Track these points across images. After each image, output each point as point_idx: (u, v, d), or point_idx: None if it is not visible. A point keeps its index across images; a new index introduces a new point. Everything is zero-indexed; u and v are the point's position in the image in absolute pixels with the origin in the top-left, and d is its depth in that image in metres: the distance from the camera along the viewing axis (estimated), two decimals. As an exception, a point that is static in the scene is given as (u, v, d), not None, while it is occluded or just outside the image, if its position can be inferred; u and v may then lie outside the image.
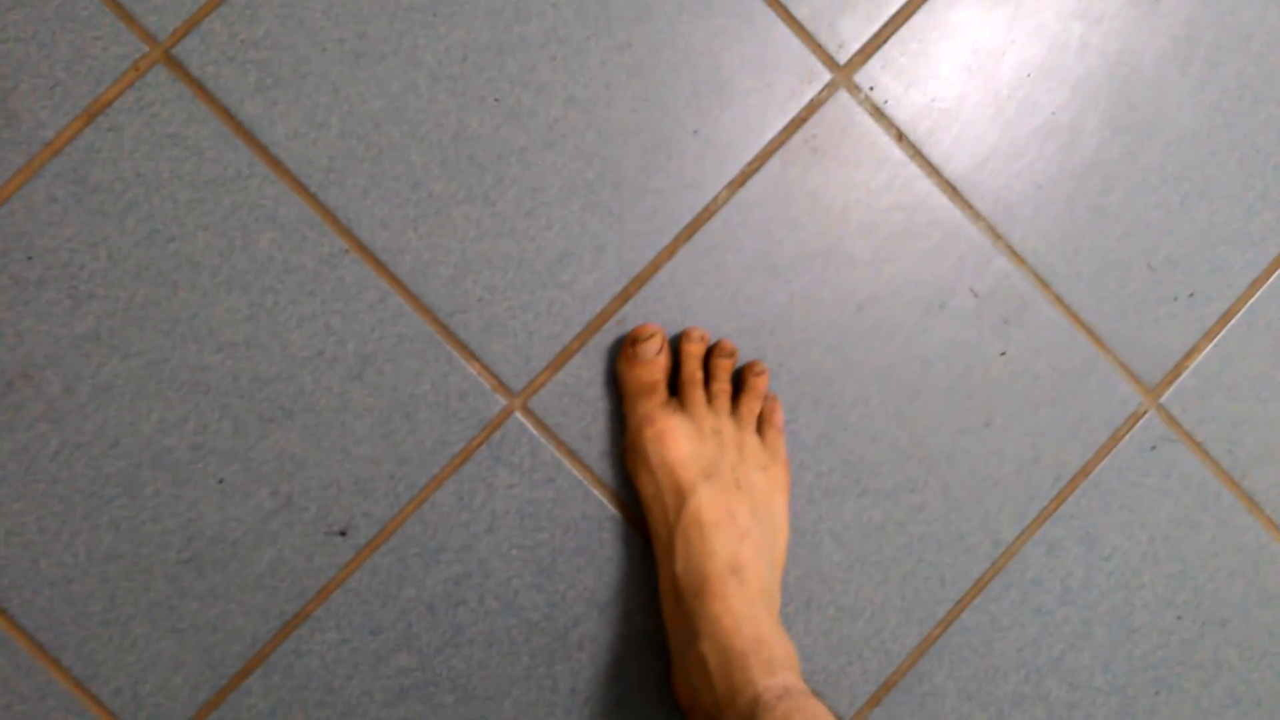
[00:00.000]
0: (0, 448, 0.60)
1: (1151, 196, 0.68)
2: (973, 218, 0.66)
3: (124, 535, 0.60)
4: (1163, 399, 0.68)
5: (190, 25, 0.60)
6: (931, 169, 0.66)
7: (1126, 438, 0.68)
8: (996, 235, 0.67)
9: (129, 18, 0.60)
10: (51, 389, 0.60)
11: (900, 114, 0.66)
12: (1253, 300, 0.69)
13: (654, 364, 0.62)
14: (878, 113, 0.66)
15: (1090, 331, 0.68)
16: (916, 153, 0.66)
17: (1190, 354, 0.69)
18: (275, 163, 0.61)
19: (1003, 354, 0.67)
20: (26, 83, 0.59)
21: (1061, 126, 0.67)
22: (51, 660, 0.60)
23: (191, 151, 0.60)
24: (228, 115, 0.61)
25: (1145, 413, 0.68)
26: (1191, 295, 0.69)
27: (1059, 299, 0.67)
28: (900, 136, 0.66)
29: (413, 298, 0.62)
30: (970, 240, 0.66)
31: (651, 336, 0.62)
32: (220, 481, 0.61)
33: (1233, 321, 0.69)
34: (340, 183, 0.61)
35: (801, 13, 0.65)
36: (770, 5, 0.65)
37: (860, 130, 0.66)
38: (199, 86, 0.60)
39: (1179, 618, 0.69)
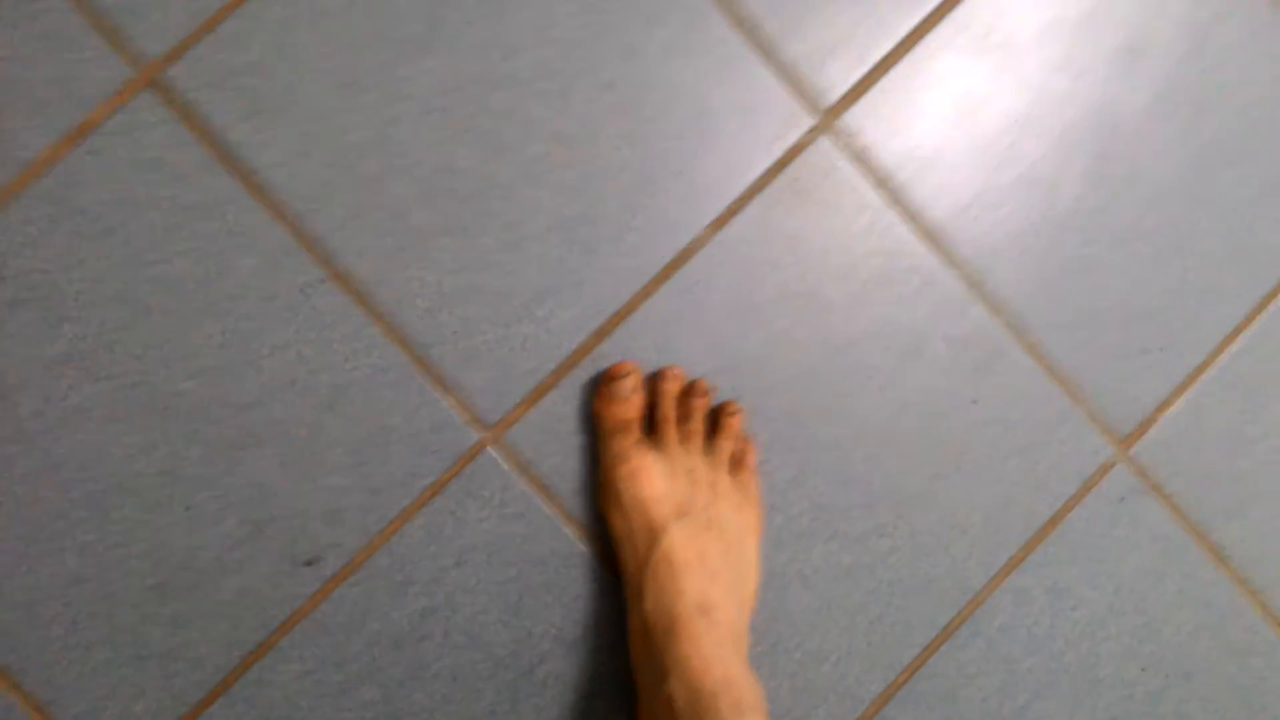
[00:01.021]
0: (-31, 468, 0.61)
1: (1128, 250, 0.71)
2: (950, 265, 0.69)
3: (90, 560, 0.62)
4: (1133, 451, 0.71)
5: (179, 50, 0.62)
6: (911, 216, 0.68)
7: (1096, 488, 0.70)
8: (973, 283, 0.69)
9: (118, 41, 0.62)
10: (22, 410, 0.61)
11: (882, 160, 0.68)
12: (1224, 356, 0.72)
13: (629, 402, 0.64)
14: (859, 159, 0.68)
15: (1062, 381, 0.70)
16: (896, 199, 0.68)
17: (1161, 407, 0.71)
18: (257, 190, 0.63)
19: (974, 402, 0.69)
20: (11, 102, 0.61)
21: (1041, 178, 0.70)
22: (13, 684, 0.61)
23: (174, 176, 0.62)
24: (212, 141, 0.62)
25: (1115, 464, 0.71)
26: (1164, 349, 0.71)
27: (1033, 348, 0.70)
28: (881, 183, 0.68)
29: (389, 328, 0.64)
30: (947, 288, 0.69)
31: (628, 374, 0.64)
32: (188, 508, 0.62)
33: (1204, 376, 0.71)
34: (322, 212, 0.63)
35: (786, 57, 0.67)
36: (755, 49, 0.67)
37: (841, 175, 0.68)
38: (185, 112, 0.62)
39: (1144, 670, 0.71)
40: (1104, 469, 0.71)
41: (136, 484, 0.62)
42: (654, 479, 0.63)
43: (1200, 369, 0.72)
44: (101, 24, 0.62)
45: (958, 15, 0.69)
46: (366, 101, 0.64)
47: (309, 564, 0.63)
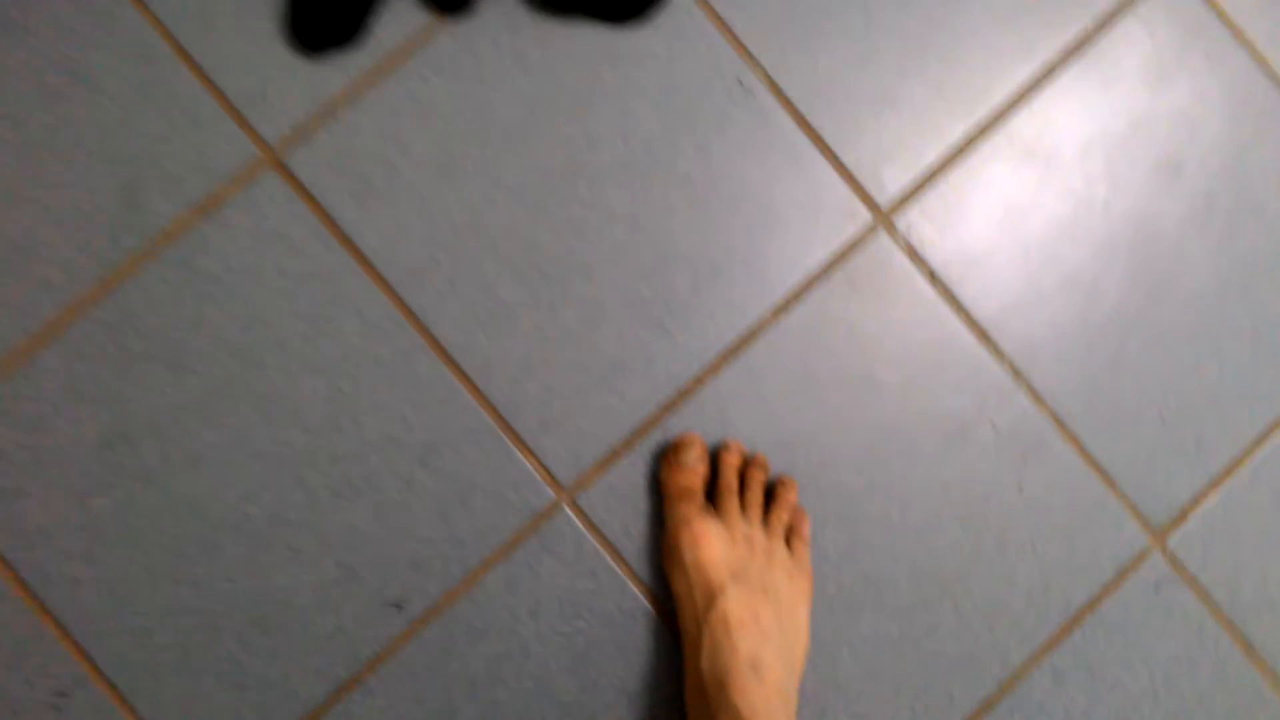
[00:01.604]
0: (98, 503, 0.69)
1: (1166, 350, 0.78)
2: (997, 357, 0.77)
3: (201, 593, 0.70)
4: (1168, 541, 0.77)
5: (299, 134, 0.72)
6: (960, 309, 0.77)
7: (1132, 576, 0.77)
8: (1018, 375, 0.77)
9: (246, 124, 0.72)
10: (148, 453, 0.70)
11: (934, 257, 0.77)
12: (1257, 454, 0.78)
13: (694, 471, 0.72)
14: (913, 254, 0.77)
15: (1102, 472, 0.77)
16: (947, 293, 0.77)
17: (1196, 501, 0.78)
18: (365, 263, 0.72)
19: (1018, 487, 0.76)
20: (148, 176, 0.71)
21: (1084, 279, 0.78)
22: (126, 705, 0.69)
23: (291, 248, 0.71)
24: (327, 218, 0.72)
25: (1151, 553, 0.77)
26: (1199, 445, 0.78)
27: (1074, 439, 0.77)
28: (933, 277, 0.77)
29: (478, 393, 0.72)
30: (993, 378, 0.77)
31: (693, 445, 0.72)
32: (291, 549, 0.70)
33: (1237, 473, 0.78)
34: (421, 284, 0.72)
35: (848, 159, 0.76)
36: (820, 150, 0.76)
37: (896, 269, 0.76)
38: (304, 190, 0.72)
39: (1177, 754, 0.77)
40: (1140, 558, 0.77)
41: (245, 525, 0.70)
42: (714, 543, 0.70)
43: (1233, 466, 0.78)
44: (232, 107, 0.72)
45: (1007, 127, 0.78)
46: (464, 186, 0.73)
47: (396, 607, 0.71)
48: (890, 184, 0.76)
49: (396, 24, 0.73)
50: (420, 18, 0.73)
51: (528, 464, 0.72)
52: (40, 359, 0.69)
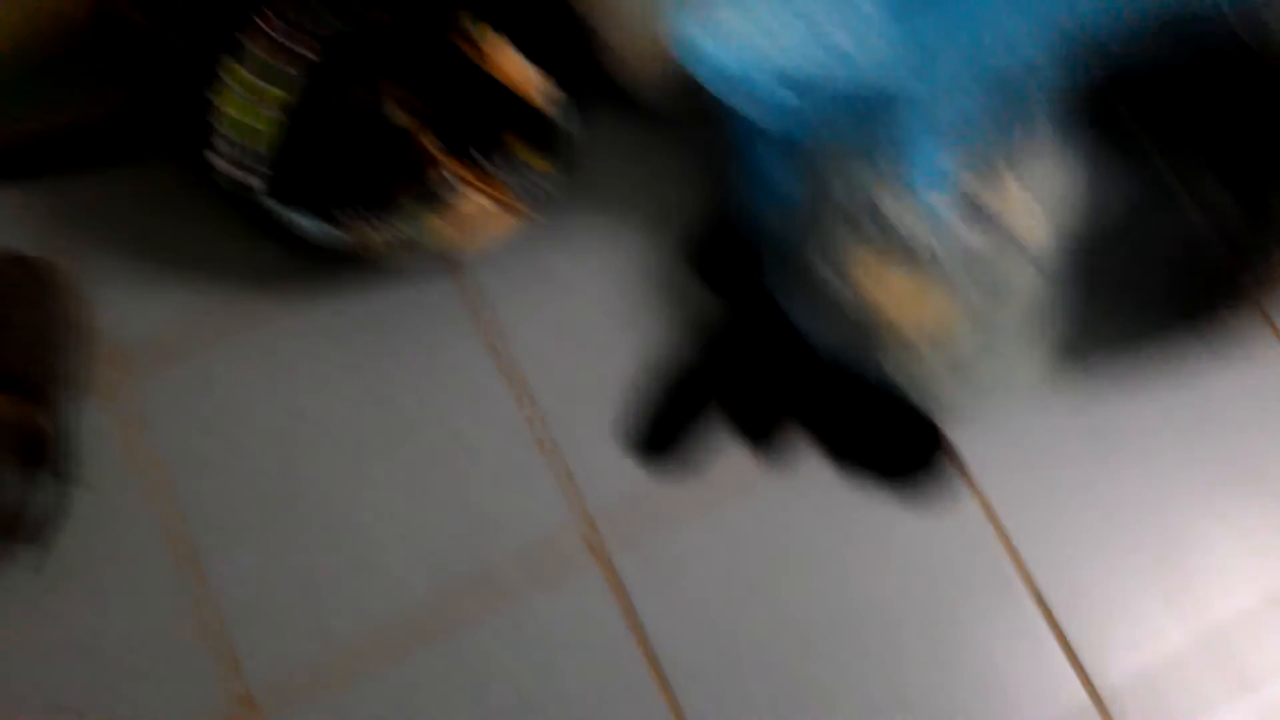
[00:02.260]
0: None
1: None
2: None
3: None
4: None
5: (623, 532, 0.87)
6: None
7: None
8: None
9: (582, 508, 0.88)
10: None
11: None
12: None
13: None
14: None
15: None
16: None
17: None
18: (652, 657, 0.84)
19: None
20: (489, 529, 0.87)
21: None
22: None
23: (596, 628, 0.84)
24: (632, 613, 0.85)
25: None
26: None
27: None
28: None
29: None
30: None
31: None
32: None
33: None
34: (692, 684, 0.83)
35: (1077, 643, 0.86)
36: (1060, 643, 0.86)
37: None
38: (619, 585, 0.86)
39: None
40: None
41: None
42: None
43: None
44: (569, 491, 0.88)
45: (1231, 650, 0.87)
46: (748, 605, 0.84)
47: None
48: (1118, 685, 0.85)
49: (719, 454, 0.89)
50: (740, 455, 0.89)
51: None
52: (370, 664, 0.84)
